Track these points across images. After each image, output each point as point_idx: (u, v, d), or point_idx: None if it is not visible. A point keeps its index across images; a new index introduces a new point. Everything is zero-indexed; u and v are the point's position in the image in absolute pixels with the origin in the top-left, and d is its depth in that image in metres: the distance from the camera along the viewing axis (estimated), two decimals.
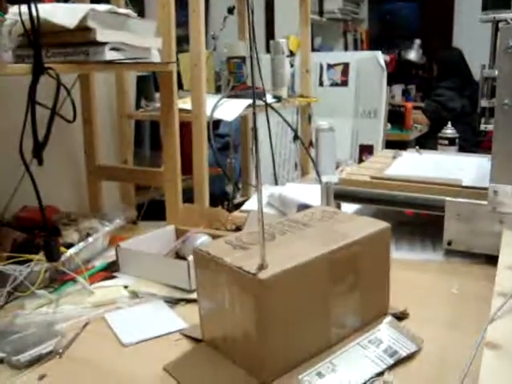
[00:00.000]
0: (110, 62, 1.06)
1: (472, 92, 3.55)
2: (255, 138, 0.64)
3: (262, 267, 0.66)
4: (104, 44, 1.03)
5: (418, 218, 1.35)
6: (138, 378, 0.76)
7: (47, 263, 1.00)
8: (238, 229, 1.24)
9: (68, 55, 1.03)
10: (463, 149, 2.02)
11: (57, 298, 0.99)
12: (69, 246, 1.10)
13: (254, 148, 0.61)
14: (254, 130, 0.62)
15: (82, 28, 1.01)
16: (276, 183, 1.96)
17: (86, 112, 1.48)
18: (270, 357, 0.69)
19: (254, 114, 0.61)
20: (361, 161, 2.46)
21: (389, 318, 0.84)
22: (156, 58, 1.25)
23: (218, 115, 1.46)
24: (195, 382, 0.73)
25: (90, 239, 1.16)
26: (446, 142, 1.80)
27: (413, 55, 4.44)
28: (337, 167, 1.89)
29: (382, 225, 0.81)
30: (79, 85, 1.46)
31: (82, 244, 1.12)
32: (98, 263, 1.15)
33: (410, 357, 0.77)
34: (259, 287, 0.65)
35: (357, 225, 0.81)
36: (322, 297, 0.73)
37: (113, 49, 1.05)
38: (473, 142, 3.26)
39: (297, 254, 0.71)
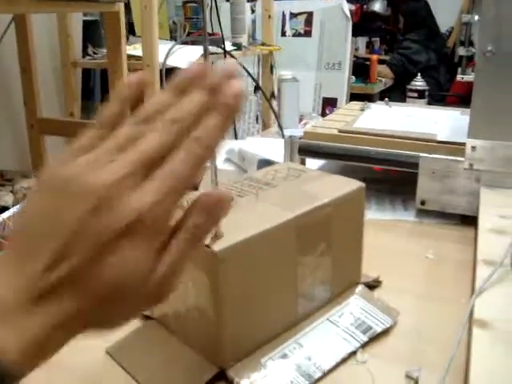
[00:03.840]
0: None
1: (438, 45, 3.48)
2: None
3: (216, 237, 0.55)
4: None
5: (386, 175, 1.27)
6: (76, 364, 0.65)
7: None
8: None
9: None
10: (428, 104, 1.94)
11: None
12: (2, 209, 0.98)
13: None
14: None
15: None
16: (236, 137, 1.85)
17: (24, 59, 1.33)
18: (229, 339, 0.60)
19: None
20: (324, 114, 2.37)
21: (360, 288, 0.75)
22: None
23: (171, 62, 1.33)
24: (143, 368, 0.63)
25: None
26: (416, 94, 1.72)
27: (378, 6, 4.30)
28: (300, 120, 1.79)
29: (356, 184, 0.71)
30: (14, 27, 1.30)
31: (17, 207, 1.00)
32: None
33: (384, 332, 0.69)
34: (214, 261, 0.54)
35: (327, 184, 0.71)
36: (288, 268, 0.63)
37: None
38: (437, 97, 3.20)
39: (258, 220, 0.61)
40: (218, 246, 0.54)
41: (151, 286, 0.34)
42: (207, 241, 0.54)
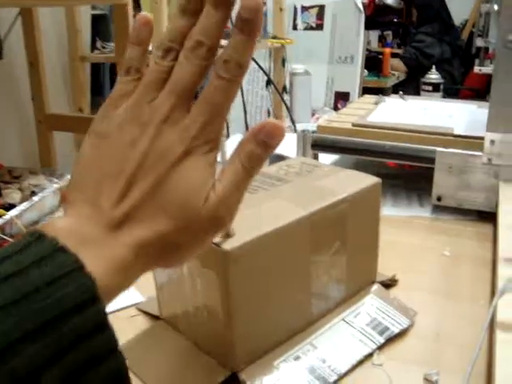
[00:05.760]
0: None
1: (452, 38, 3.42)
2: None
3: (227, 235, 0.53)
4: None
5: (401, 170, 1.24)
6: None
7: None
8: None
9: None
10: (441, 97, 1.91)
11: None
12: (9, 207, 0.96)
13: None
14: None
15: None
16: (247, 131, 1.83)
17: (31, 53, 1.31)
18: (240, 341, 0.57)
19: None
20: (336, 109, 2.33)
21: (376, 287, 0.73)
22: None
23: None
24: (151, 370, 0.61)
25: (36, 198, 1.01)
26: (430, 87, 1.68)
27: None
28: (312, 115, 1.77)
29: (372, 180, 0.68)
30: (21, 21, 1.28)
31: (25, 204, 0.98)
32: None
33: (401, 333, 0.66)
34: (224, 260, 0.52)
35: (342, 180, 0.69)
36: (301, 267, 0.61)
37: None
38: (451, 90, 3.14)
39: (271, 218, 0.58)
40: (229, 245, 0.52)
41: (212, 205, 0.35)
42: (217, 239, 0.52)
